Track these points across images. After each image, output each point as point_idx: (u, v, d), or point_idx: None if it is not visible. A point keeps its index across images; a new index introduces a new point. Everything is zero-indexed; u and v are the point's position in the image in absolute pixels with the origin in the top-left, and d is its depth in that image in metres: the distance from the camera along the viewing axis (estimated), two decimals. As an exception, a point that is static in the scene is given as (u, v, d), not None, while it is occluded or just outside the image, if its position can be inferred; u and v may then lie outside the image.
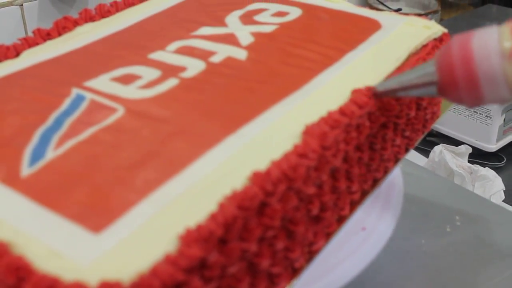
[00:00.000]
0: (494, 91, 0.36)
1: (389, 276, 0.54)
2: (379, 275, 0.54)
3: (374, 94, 0.41)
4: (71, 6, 0.87)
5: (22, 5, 0.82)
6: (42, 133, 0.37)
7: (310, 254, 0.38)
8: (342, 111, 0.38)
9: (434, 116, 0.52)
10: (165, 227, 0.30)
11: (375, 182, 0.45)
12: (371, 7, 1.31)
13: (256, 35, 0.50)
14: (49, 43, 0.50)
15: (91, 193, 0.33)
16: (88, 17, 0.54)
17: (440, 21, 1.35)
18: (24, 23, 0.84)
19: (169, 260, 0.28)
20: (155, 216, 0.31)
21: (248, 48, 0.47)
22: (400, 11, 1.28)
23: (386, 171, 0.46)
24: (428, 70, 0.38)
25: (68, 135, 0.37)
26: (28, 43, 0.50)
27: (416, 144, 0.50)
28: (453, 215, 0.62)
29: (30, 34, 0.84)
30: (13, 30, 0.83)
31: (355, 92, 0.41)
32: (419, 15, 1.28)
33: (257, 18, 0.53)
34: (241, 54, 0.47)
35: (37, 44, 0.50)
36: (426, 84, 0.39)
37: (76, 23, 0.53)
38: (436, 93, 0.39)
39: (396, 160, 0.47)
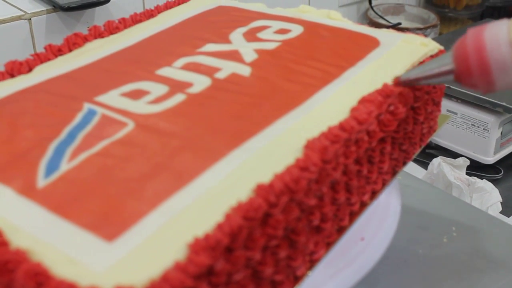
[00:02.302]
0: (504, 77, 0.40)
1: (387, 285, 0.56)
2: (377, 284, 0.55)
3: (398, 82, 0.45)
4: (78, 20, 0.89)
5: (30, 19, 0.84)
6: (56, 146, 0.39)
7: (311, 263, 0.40)
8: (342, 126, 0.40)
9: (431, 130, 0.54)
10: (175, 236, 0.32)
11: (374, 194, 0.46)
12: (371, 21, 1.33)
13: (259, 52, 0.51)
14: (60, 58, 0.52)
15: (104, 203, 0.34)
16: (97, 33, 0.56)
17: (439, 35, 1.37)
18: (32, 37, 0.86)
19: (179, 267, 0.30)
20: (165, 226, 0.33)
21: (252, 64, 0.49)
22: (400, 25, 1.30)
23: (384, 183, 0.48)
24: (445, 60, 0.43)
25: (81, 148, 0.39)
26: (40, 58, 0.52)
27: (414, 157, 0.52)
28: (450, 226, 0.64)
29: (38, 47, 0.86)
30: (22, 44, 0.85)
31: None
32: (419, 29, 1.30)
33: (260, 35, 0.55)
34: (245, 71, 0.48)
35: (49, 59, 0.52)
36: (444, 73, 0.43)
37: (85, 39, 0.55)
38: (453, 80, 0.43)
39: (394, 173, 0.49)
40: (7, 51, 0.83)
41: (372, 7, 1.34)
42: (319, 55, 0.51)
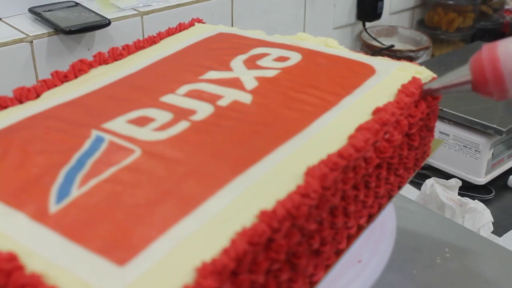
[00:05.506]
0: None
1: (383, 305, 0.57)
2: (373, 304, 0.57)
3: (421, 92, 0.51)
4: (78, 42, 0.91)
5: (32, 42, 0.86)
6: (66, 173, 0.41)
7: (311, 285, 0.41)
8: (340, 154, 0.42)
9: (425, 155, 0.56)
10: (183, 261, 0.33)
11: (370, 217, 0.48)
12: (365, 43, 1.35)
13: (259, 79, 0.53)
14: (66, 85, 0.54)
15: (114, 228, 0.36)
16: (102, 60, 0.58)
17: (432, 57, 1.39)
18: (34, 59, 0.88)
19: (188, 291, 0.31)
20: (173, 251, 0.34)
21: (253, 92, 0.51)
22: (393, 47, 1.33)
23: (380, 207, 0.49)
24: (464, 72, 0.49)
25: (91, 174, 0.41)
26: (48, 85, 0.53)
27: (408, 181, 0.53)
28: (443, 248, 0.65)
29: (39, 69, 0.88)
30: (23, 66, 0.87)
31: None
32: (412, 51, 1.32)
33: (260, 62, 0.57)
34: (246, 98, 0.50)
35: (55, 86, 0.54)
36: (463, 83, 0.49)
37: (91, 66, 0.57)
38: (470, 90, 0.49)
39: (390, 197, 0.51)
40: (9, 73, 0.85)
41: (365, 29, 1.37)
42: (317, 82, 0.53)
